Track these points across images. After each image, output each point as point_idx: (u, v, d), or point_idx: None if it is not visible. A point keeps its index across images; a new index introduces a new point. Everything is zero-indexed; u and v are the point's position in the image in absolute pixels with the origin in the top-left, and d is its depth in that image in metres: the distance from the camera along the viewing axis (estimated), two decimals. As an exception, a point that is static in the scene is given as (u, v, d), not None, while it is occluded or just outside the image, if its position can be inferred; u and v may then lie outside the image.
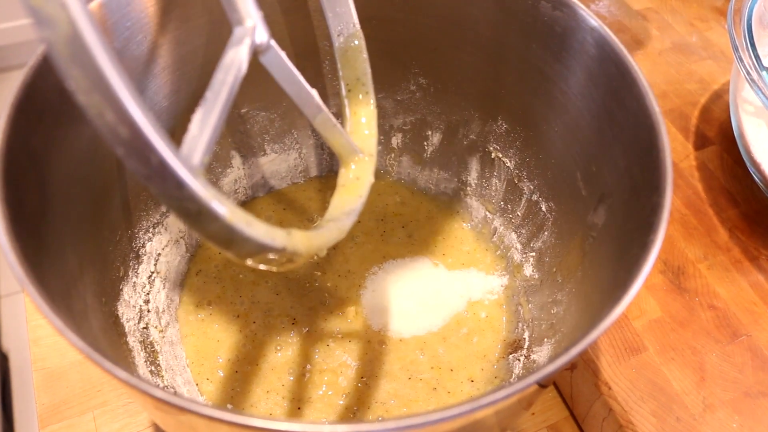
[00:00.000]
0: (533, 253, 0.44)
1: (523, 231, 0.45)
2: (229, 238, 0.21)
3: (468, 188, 0.48)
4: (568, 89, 0.36)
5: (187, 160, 0.20)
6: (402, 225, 0.49)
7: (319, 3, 0.37)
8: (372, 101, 0.38)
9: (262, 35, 0.29)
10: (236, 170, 0.47)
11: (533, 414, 0.42)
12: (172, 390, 0.38)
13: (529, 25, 0.37)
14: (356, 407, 0.40)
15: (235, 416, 0.20)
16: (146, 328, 0.40)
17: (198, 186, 0.19)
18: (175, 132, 0.40)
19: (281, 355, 0.42)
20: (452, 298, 0.45)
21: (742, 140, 0.48)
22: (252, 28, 0.28)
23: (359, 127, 0.38)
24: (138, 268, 0.40)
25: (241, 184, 0.48)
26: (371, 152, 0.37)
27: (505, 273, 0.46)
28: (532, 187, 0.43)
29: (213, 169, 0.45)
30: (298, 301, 0.45)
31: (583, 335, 0.23)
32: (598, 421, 0.40)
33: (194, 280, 0.45)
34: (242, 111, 0.45)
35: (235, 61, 0.27)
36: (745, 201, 0.49)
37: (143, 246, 0.41)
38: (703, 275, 0.44)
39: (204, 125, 0.23)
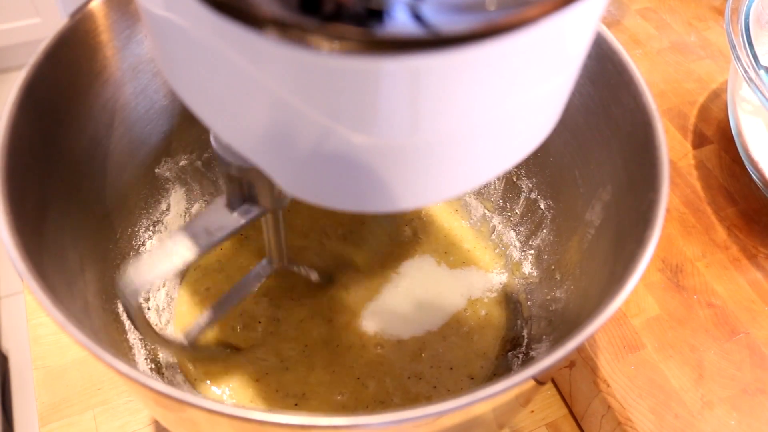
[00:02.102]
0: (532, 251, 0.44)
1: (522, 229, 0.45)
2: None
3: (467, 187, 0.48)
4: (566, 87, 0.36)
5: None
6: (406, 223, 0.49)
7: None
8: None
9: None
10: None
11: (532, 411, 0.42)
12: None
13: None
14: (354, 405, 0.40)
15: (236, 410, 0.21)
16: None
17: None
18: (174, 129, 0.41)
19: (280, 354, 0.42)
20: (452, 297, 0.45)
21: (740, 139, 0.48)
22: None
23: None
24: (138, 266, 0.40)
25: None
26: None
27: (504, 271, 0.46)
28: (530, 185, 0.43)
29: (213, 168, 0.46)
30: (297, 302, 0.45)
31: (579, 330, 0.23)
32: (597, 419, 0.40)
33: (194, 278, 0.45)
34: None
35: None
36: (743, 199, 0.49)
37: (143, 244, 0.41)
38: (702, 273, 0.45)
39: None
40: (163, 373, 0.39)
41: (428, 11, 0.14)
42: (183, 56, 0.20)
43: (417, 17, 0.14)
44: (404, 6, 0.14)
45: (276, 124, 0.19)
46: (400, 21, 0.14)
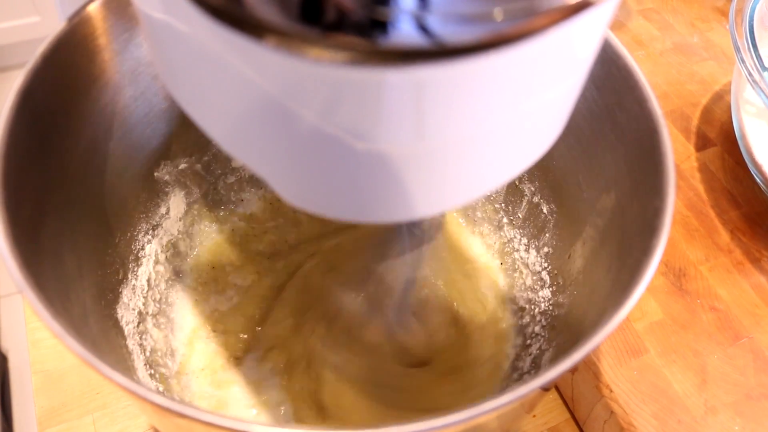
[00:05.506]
0: (534, 255, 0.43)
1: (525, 233, 0.44)
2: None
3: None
4: (570, 91, 0.36)
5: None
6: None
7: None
8: None
9: None
10: (240, 171, 0.47)
11: (534, 416, 0.42)
12: (171, 394, 0.38)
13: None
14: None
15: (235, 422, 0.20)
16: (145, 330, 0.40)
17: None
18: (173, 132, 0.40)
19: (278, 353, 0.42)
20: (453, 300, 0.45)
21: (743, 141, 0.48)
22: None
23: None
24: (137, 271, 0.40)
25: (242, 186, 0.48)
26: None
27: (506, 275, 0.46)
28: (533, 188, 0.43)
29: (213, 171, 0.45)
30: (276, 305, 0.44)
31: (585, 340, 0.23)
32: (600, 424, 0.40)
33: (193, 282, 0.45)
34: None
35: None
36: (746, 202, 0.49)
37: (142, 248, 0.41)
38: (705, 277, 0.44)
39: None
40: (163, 379, 0.38)
41: (434, 22, 0.14)
42: (181, 61, 0.20)
43: (422, 28, 0.14)
44: (409, 16, 0.14)
45: (277, 132, 0.19)
46: (404, 32, 0.14)
